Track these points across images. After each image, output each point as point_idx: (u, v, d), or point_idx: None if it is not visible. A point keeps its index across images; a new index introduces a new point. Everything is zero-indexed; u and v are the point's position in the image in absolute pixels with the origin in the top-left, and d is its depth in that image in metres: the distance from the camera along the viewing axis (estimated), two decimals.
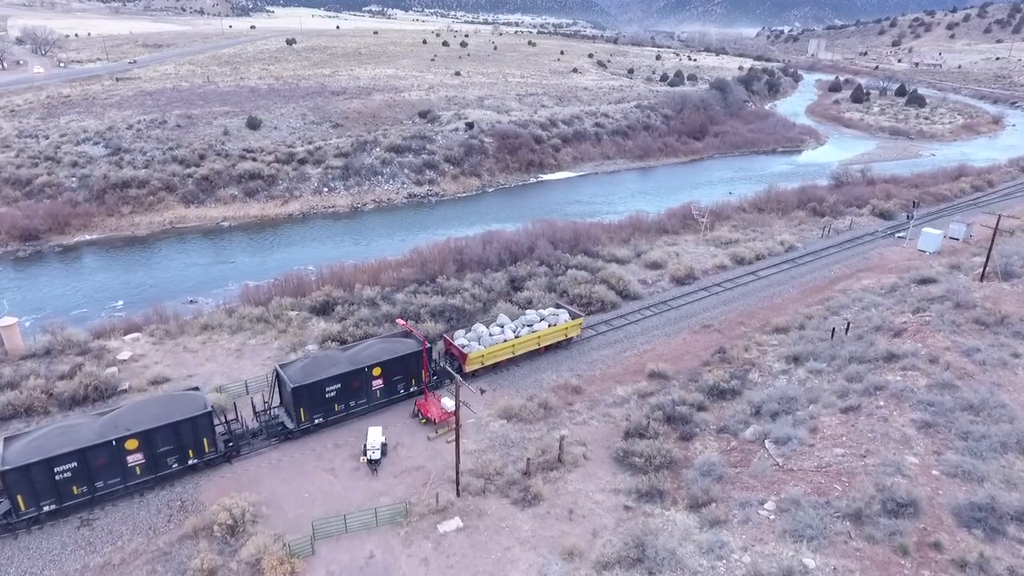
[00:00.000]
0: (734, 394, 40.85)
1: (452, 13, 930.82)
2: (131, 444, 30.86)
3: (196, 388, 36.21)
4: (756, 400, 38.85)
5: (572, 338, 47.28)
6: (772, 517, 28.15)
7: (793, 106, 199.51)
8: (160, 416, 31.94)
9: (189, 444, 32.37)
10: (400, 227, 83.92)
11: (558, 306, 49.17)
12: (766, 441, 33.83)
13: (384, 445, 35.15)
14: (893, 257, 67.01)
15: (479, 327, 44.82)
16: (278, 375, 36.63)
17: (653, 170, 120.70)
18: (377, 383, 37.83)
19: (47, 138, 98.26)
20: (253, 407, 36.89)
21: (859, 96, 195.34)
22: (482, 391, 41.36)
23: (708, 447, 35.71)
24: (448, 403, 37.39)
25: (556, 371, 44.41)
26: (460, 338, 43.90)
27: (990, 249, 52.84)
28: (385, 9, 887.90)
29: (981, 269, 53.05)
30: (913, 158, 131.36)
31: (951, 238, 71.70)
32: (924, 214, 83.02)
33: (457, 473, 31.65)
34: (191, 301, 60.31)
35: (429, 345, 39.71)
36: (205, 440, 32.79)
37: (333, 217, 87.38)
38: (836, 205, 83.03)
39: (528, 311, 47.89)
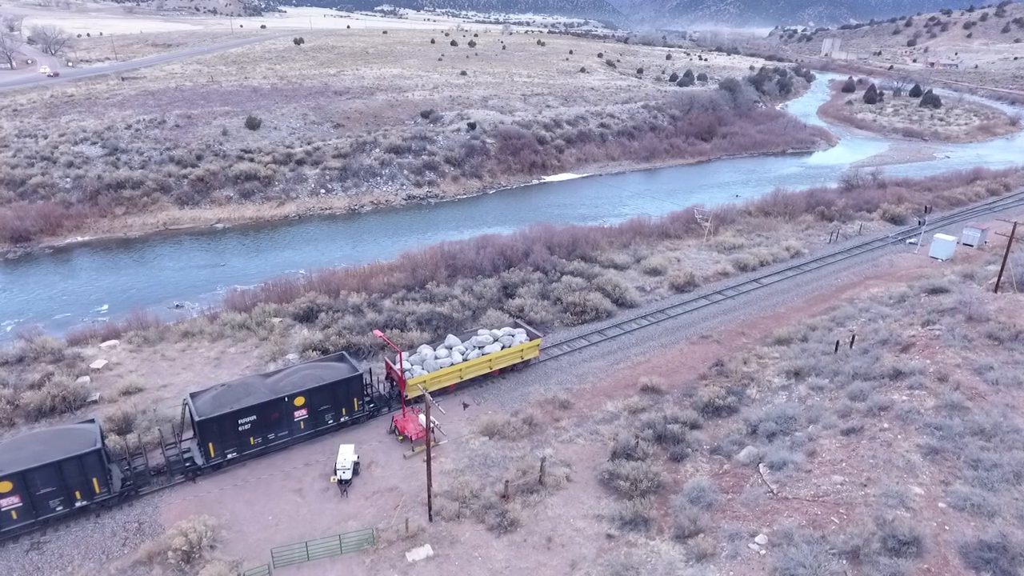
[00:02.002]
0: (730, 411, 38.73)
1: (464, 13, 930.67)
2: (3, 487, 27.85)
3: (92, 420, 33.06)
4: (753, 419, 36.75)
5: (531, 360, 43.79)
6: (763, 552, 26.07)
7: (805, 107, 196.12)
8: (40, 455, 28.87)
9: (76, 485, 29.21)
10: (397, 230, 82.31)
11: (516, 324, 45.66)
12: (760, 465, 31.72)
13: (356, 464, 33.40)
14: (903, 264, 64.43)
15: (424, 349, 41.43)
16: (187, 405, 33.49)
17: (659, 172, 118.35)
18: (300, 414, 34.59)
19: (46, 138, 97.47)
20: (162, 440, 34.36)
21: (872, 96, 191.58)
22: (465, 405, 39.60)
23: (700, 469, 33.63)
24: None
25: (544, 384, 42.46)
26: (404, 360, 40.01)
27: (1005, 257, 50.28)
28: (397, 9, 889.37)
29: (996, 279, 50.48)
30: (927, 160, 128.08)
31: (965, 244, 68.99)
32: (937, 219, 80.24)
33: (429, 497, 29.81)
34: (177, 305, 58.96)
35: (361, 372, 36.79)
36: (95, 480, 29.59)
37: (330, 219, 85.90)
38: (845, 209, 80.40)
39: (481, 331, 44.33)
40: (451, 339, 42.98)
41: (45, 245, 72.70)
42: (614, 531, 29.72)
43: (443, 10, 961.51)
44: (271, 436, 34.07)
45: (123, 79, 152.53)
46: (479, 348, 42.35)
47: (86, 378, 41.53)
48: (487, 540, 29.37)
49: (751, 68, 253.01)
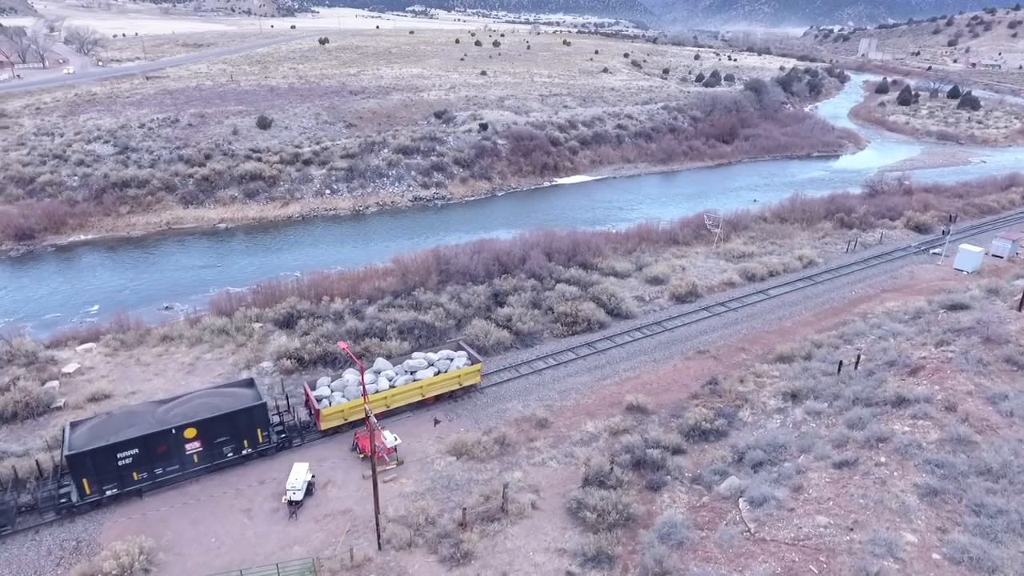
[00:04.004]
0: (718, 436, 36.05)
1: (493, 13, 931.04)
2: None
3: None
4: (741, 445, 34.07)
5: (472, 386, 40.35)
6: None
7: (835, 108, 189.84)
8: None
9: None
10: (399, 232, 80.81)
11: (459, 347, 42.29)
12: (741, 499, 29.06)
13: (310, 484, 31.71)
14: (925, 276, 60.55)
15: (348, 375, 38.45)
16: (64, 436, 30.83)
17: (676, 175, 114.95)
18: (193, 446, 31.72)
19: (62, 136, 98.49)
20: (40, 472, 31.56)
21: (906, 98, 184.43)
22: (436, 421, 37.64)
23: (676, 501, 31.09)
24: (389, 437, 33.69)
25: (524, 400, 40.29)
26: (323, 387, 37.37)
27: None
28: (428, 9, 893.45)
29: (1021, 295, 46.64)
30: (960, 165, 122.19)
31: (994, 256, 64.70)
32: (966, 228, 75.71)
33: (377, 525, 27.88)
34: (167, 307, 58.22)
35: (264, 400, 33.83)
36: None
37: (334, 220, 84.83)
38: (866, 216, 76.38)
39: (415, 354, 40.97)
40: (380, 363, 39.87)
41: (48, 243, 72.93)
42: (575, 568, 27.42)
43: (473, 10, 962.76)
44: (158, 471, 31.26)
45: (147, 78, 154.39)
46: (411, 373, 39.16)
47: (55, 383, 40.65)
48: (437, 573, 27.33)
49: (781, 69, 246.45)
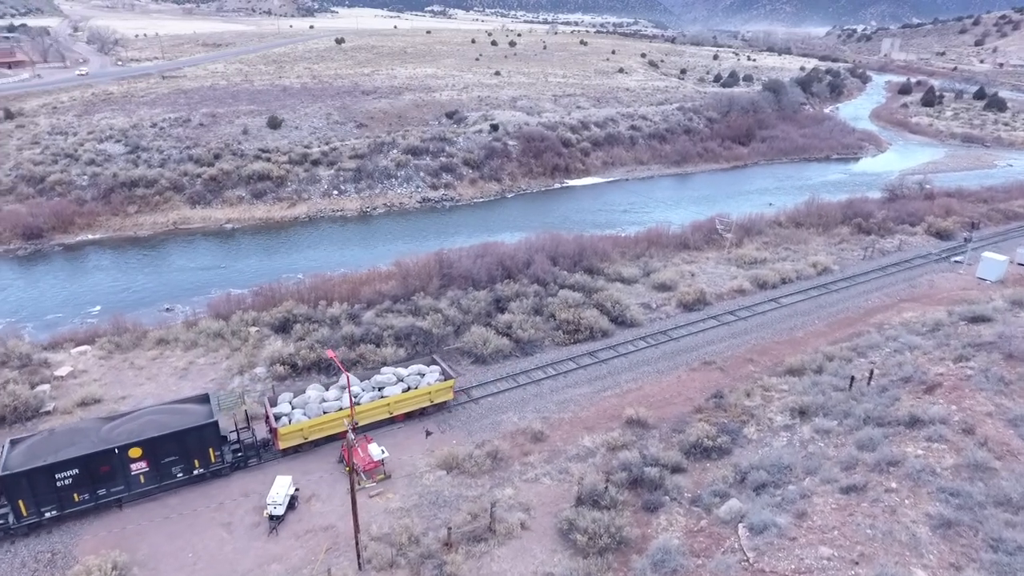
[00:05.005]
0: (721, 453, 34.44)
1: (512, 13, 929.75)
2: None
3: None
4: (744, 465, 32.46)
5: (445, 403, 38.51)
6: None
7: (856, 109, 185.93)
8: None
9: None
10: (406, 233, 79.88)
11: (432, 361, 40.34)
12: (741, 525, 27.51)
13: (293, 498, 30.69)
14: (945, 286, 58.23)
15: (311, 391, 36.58)
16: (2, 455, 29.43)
17: (690, 177, 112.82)
18: (139, 466, 30.16)
19: (75, 135, 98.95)
20: None
21: (930, 99, 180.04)
22: (428, 433, 36.49)
23: (673, 524, 29.58)
24: (376, 450, 32.58)
25: (520, 411, 38.98)
26: (283, 403, 35.44)
27: None
28: (447, 9, 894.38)
29: None
30: (986, 168, 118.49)
31: (1019, 264, 62.16)
32: (990, 234, 72.97)
33: (357, 544, 26.75)
34: (167, 309, 57.78)
35: (216, 419, 31.99)
36: None
37: (340, 221, 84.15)
38: (885, 222, 73.93)
39: (384, 369, 38.96)
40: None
41: (56, 242, 73.04)
42: None
43: (492, 10, 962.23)
44: (101, 492, 29.79)
45: (163, 78, 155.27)
46: (379, 389, 37.34)
47: (46, 386, 40.12)
48: None
49: (802, 69, 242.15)
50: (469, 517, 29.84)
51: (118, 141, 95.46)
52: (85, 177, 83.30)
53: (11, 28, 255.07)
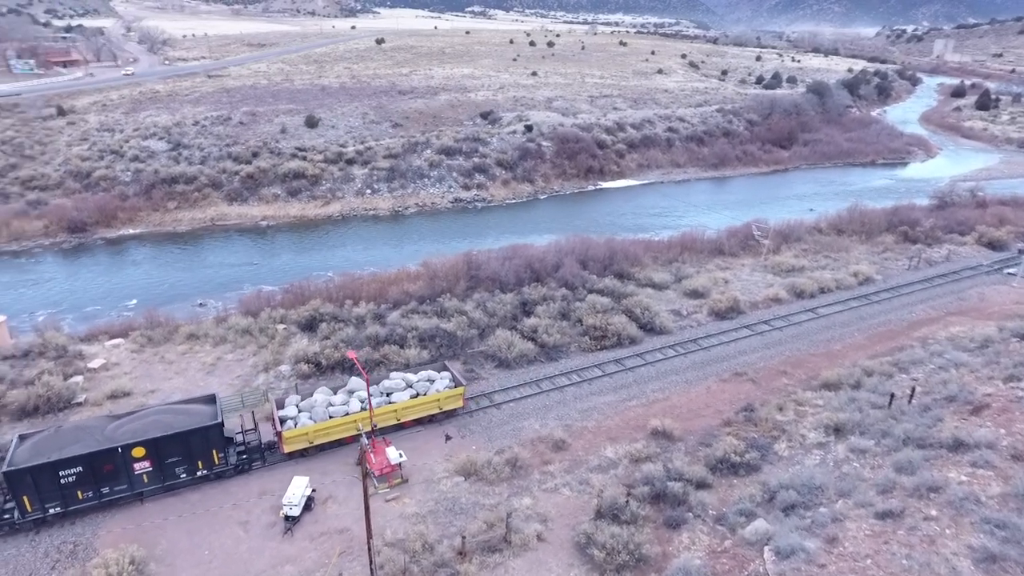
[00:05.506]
0: (749, 470, 33.11)
1: (552, 13, 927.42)
2: None
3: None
4: (773, 483, 31.09)
5: (455, 410, 37.72)
6: None
7: (905, 113, 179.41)
8: None
9: None
10: (436, 233, 79.87)
11: (443, 367, 39.70)
12: (767, 548, 26.27)
13: (310, 499, 30.58)
14: (996, 299, 55.29)
15: (318, 395, 36.26)
16: (10, 449, 29.86)
17: (728, 181, 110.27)
18: (142, 466, 30.22)
19: (121, 132, 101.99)
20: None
21: (985, 103, 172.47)
22: (448, 437, 36.02)
23: (696, 542, 28.47)
24: (393, 454, 32.26)
25: (542, 418, 38.25)
26: (291, 406, 35.18)
27: None
28: (487, 10, 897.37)
29: None
30: None
31: None
32: None
33: (370, 550, 26.40)
34: (200, 304, 58.80)
35: (219, 420, 31.77)
36: None
37: (373, 220, 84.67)
38: (933, 230, 70.78)
39: (393, 375, 38.35)
40: (354, 382, 37.48)
41: (99, 236, 75.24)
42: None
43: (532, 11, 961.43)
44: (105, 490, 29.91)
45: (208, 77, 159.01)
46: (387, 395, 36.81)
47: (79, 378, 41.07)
48: None
49: (849, 70, 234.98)
50: (485, 526, 29.27)
51: (161, 138, 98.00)
52: (128, 173, 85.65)
53: (68, 29, 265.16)
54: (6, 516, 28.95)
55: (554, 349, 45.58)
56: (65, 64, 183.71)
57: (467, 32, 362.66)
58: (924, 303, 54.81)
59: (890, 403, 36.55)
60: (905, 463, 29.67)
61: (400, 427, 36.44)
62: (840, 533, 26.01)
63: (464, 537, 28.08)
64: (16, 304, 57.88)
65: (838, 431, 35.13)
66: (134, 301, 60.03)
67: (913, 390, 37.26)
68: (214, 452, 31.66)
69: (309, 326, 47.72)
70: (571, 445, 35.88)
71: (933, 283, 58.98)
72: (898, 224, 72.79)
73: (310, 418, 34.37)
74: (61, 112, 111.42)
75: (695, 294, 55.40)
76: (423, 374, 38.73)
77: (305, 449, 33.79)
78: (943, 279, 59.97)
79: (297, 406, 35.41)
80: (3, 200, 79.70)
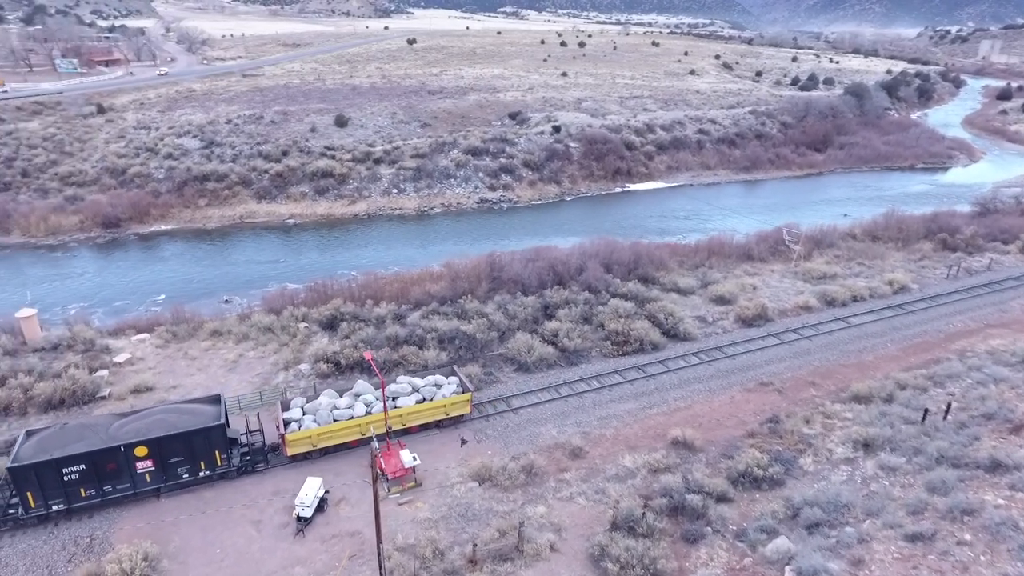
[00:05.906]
0: (772, 484, 32.02)
1: (584, 14, 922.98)
2: None
3: None
4: (797, 499, 30.00)
5: (461, 416, 37.11)
6: None
7: (947, 116, 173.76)
8: None
9: None
10: (461, 234, 79.70)
11: (452, 372, 39.06)
12: (788, 568, 25.27)
13: (323, 500, 30.48)
14: None
15: (323, 398, 35.77)
16: (16, 445, 30.13)
17: (759, 184, 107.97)
18: (144, 465, 30.24)
19: (157, 130, 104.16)
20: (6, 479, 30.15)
21: None
22: (464, 441, 35.63)
23: (714, 559, 27.57)
24: (407, 457, 31.98)
25: (560, 424, 37.64)
26: (295, 408, 34.89)
27: None
28: (519, 10, 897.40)
29: None
30: None
31: None
32: None
33: (380, 555, 26.10)
34: (226, 300, 59.49)
35: (222, 422, 31.68)
36: None
37: (398, 219, 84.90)
38: (974, 238, 68.09)
39: (400, 379, 37.83)
40: (360, 385, 37.08)
41: (132, 232, 76.85)
42: None
43: (564, 11, 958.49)
44: (107, 488, 29.96)
45: (243, 76, 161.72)
46: (393, 399, 36.28)
47: (104, 372, 41.75)
48: None
49: (888, 72, 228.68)
50: (497, 534, 28.79)
51: (195, 136, 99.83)
52: (162, 170, 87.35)
53: (111, 29, 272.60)
54: (11, 511, 29.33)
55: (575, 354, 44.89)
56: (107, 63, 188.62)
57: (499, 32, 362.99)
58: (963, 314, 52.65)
59: (924, 419, 35.04)
60: (938, 483, 28.38)
61: (406, 432, 35.97)
62: (866, 555, 24.90)
63: (475, 545, 27.63)
64: (49, 297, 59.36)
65: (867, 446, 33.79)
66: (162, 296, 61.05)
67: (949, 406, 35.67)
68: (216, 453, 31.63)
69: (330, 325, 47.86)
70: (588, 453, 35.18)
71: (973, 293, 56.67)
72: (937, 231, 70.25)
73: (314, 421, 34.16)
74: (100, 110, 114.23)
75: (721, 300, 54.13)
76: (430, 379, 38.35)
77: (308, 452, 33.57)
78: (984, 289, 57.59)
79: (302, 408, 35.28)
80: (42, 196, 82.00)
